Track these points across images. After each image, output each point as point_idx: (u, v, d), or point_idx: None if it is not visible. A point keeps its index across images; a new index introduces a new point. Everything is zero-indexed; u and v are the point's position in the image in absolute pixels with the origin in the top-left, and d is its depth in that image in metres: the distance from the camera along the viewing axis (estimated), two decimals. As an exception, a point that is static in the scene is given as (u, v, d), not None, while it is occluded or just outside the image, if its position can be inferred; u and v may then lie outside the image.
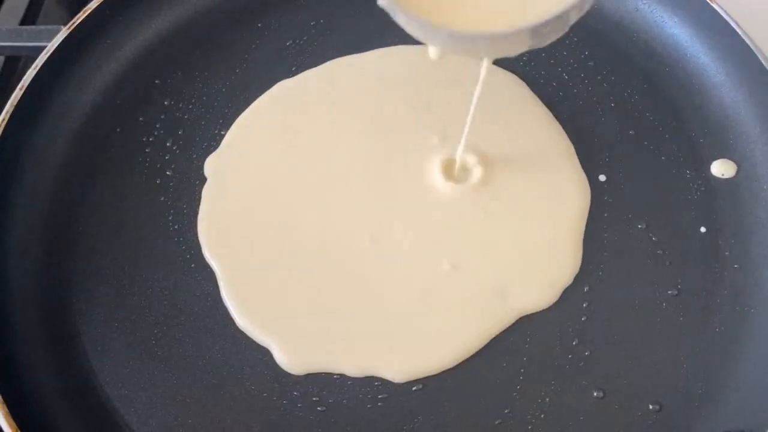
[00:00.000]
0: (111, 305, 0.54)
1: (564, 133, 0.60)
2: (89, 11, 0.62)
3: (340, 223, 0.57)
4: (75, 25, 0.61)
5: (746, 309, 0.52)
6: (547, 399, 0.50)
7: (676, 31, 0.63)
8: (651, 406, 0.49)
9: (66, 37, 0.60)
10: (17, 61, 0.70)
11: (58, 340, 0.52)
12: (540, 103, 0.62)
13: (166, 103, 0.63)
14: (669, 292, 0.53)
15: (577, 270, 0.54)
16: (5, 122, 0.56)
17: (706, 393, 0.49)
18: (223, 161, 0.60)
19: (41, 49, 0.60)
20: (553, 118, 0.61)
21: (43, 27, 0.67)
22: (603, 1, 0.66)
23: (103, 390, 0.51)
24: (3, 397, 0.46)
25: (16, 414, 0.46)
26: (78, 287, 0.55)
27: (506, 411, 0.49)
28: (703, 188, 0.57)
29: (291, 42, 0.66)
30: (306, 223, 0.57)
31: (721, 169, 0.58)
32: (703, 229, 0.56)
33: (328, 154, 0.60)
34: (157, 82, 0.64)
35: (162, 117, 0.63)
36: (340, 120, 0.62)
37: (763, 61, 0.56)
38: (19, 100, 0.57)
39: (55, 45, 0.60)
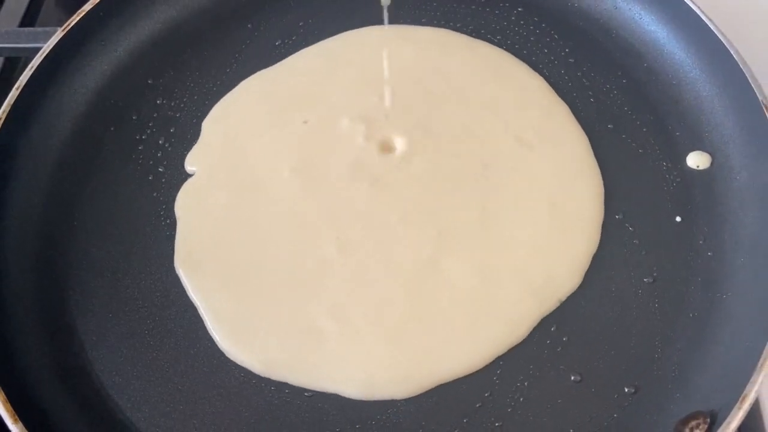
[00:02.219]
0: (105, 297, 0.56)
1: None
2: (83, 13, 0.64)
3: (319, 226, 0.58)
4: (69, 27, 0.63)
5: (719, 295, 0.53)
6: (526, 383, 0.52)
7: (654, 28, 0.65)
8: (627, 389, 0.51)
9: (60, 39, 0.62)
10: (17, 62, 0.72)
11: (55, 330, 0.54)
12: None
13: (158, 102, 0.65)
14: (645, 279, 0.55)
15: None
16: (2, 121, 0.58)
17: (680, 375, 0.51)
18: (202, 158, 0.62)
19: (38, 50, 0.62)
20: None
21: (39, 29, 0.70)
22: (583, 0, 0.68)
23: (98, 378, 0.53)
24: (1, 386, 0.48)
25: (13, 401, 0.47)
26: (74, 280, 0.56)
27: (486, 395, 0.51)
28: (678, 179, 0.59)
29: (280, 42, 0.68)
30: (283, 233, 0.57)
31: (696, 160, 0.60)
32: (678, 219, 0.57)
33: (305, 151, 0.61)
34: (149, 81, 0.66)
35: (155, 115, 0.65)
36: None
37: (736, 58, 0.58)
38: (16, 100, 0.59)
39: (50, 46, 0.62)
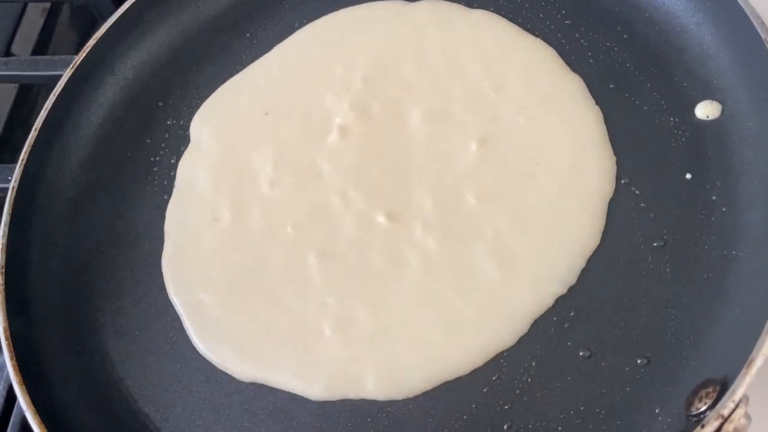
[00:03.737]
0: (130, 314, 0.59)
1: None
2: (90, 47, 0.67)
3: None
4: (77, 63, 0.67)
5: (734, 253, 0.50)
6: (534, 363, 0.51)
7: (652, -25, 0.61)
8: (639, 360, 0.49)
9: (71, 76, 0.66)
10: (31, 89, 0.77)
11: (86, 350, 0.58)
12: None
13: (168, 122, 0.68)
14: (654, 244, 0.53)
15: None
16: (24, 163, 0.62)
17: (694, 342, 0.49)
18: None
19: (52, 77, 0.66)
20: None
21: (54, 57, 0.74)
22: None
23: (129, 392, 0.56)
24: (36, 409, 0.52)
25: (49, 424, 0.51)
26: (101, 302, 0.60)
27: (494, 378, 0.51)
28: (687, 134, 0.56)
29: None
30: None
31: (705, 111, 0.56)
32: (688, 176, 0.54)
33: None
34: (160, 104, 0.69)
35: (166, 136, 0.67)
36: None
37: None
38: (35, 140, 0.63)
39: (62, 85, 0.66)
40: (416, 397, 0.51)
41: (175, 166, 0.65)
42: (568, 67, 0.60)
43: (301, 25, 0.70)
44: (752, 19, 0.53)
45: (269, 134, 0.64)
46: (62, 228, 0.63)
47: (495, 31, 0.64)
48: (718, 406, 0.42)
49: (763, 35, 0.52)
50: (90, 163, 0.66)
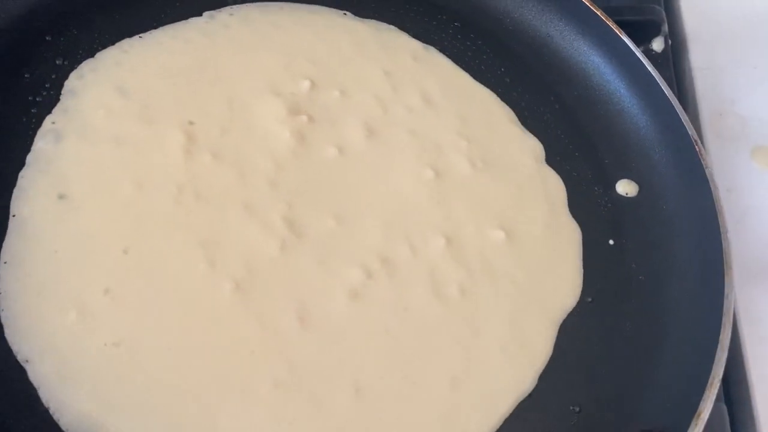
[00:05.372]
0: None
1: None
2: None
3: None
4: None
5: (655, 317, 0.54)
6: (476, 400, 0.49)
7: (585, 58, 0.66)
8: (572, 407, 0.50)
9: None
10: None
11: None
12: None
13: (57, 62, 0.56)
14: (587, 299, 0.55)
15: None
16: None
17: (624, 394, 0.51)
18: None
19: None
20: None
21: None
22: (520, 26, 0.68)
23: None
24: None
25: None
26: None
27: None
28: (610, 204, 0.60)
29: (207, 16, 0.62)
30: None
31: (625, 188, 0.61)
32: (611, 242, 0.58)
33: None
34: (48, 38, 0.57)
35: (53, 77, 0.55)
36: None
37: (665, 90, 0.61)
38: None
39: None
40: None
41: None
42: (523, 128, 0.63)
43: (236, 2, 0.63)
44: (680, 116, 0.59)
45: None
46: None
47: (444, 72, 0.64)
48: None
49: (690, 132, 0.58)
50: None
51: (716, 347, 0.48)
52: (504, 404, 0.50)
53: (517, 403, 0.50)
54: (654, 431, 0.47)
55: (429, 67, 0.64)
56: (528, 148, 0.62)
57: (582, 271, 0.56)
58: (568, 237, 0.58)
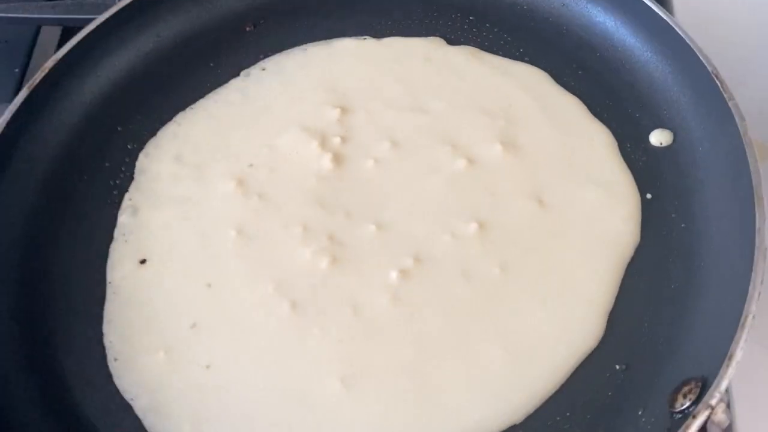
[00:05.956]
0: (88, 341, 0.56)
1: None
2: (47, 70, 0.65)
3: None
4: (34, 84, 0.64)
5: (697, 264, 0.54)
6: (518, 373, 0.51)
7: (602, 19, 0.67)
8: (618, 367, 0.51)
9: (27, 98, 0.63)
10: None
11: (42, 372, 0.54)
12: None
13: (128, 147, 0.66)
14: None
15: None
16: (-25, 180, 0.59)
17: (668, 347, 0.51)
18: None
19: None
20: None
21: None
22: (533, 5, 0.70)
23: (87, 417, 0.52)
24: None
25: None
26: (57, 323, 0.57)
27: (480, 389, 0.51)
28: (644, 158, 0.60)
29: (243, 76, 0.70)
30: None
31: (659, 138, 0.61)
32: (648, 196, 0.58)
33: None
34: (119, 128, 0.67)
35: (126, 160, 0.65)
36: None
37: (682, 34, 0.59)
38: (-14, 160, 0.60)
39: (17, 106, 0.63)
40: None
41: (134, 192, 0.64)
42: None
43: (266, 55, 0.70)
44: (698, 54, 0.58)
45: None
46: (12, 253, 0.60)
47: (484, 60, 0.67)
48: (705, 398, 0.44)
49: (709, 68, 0.57)
50: (42, 185, 0.63)
51: (748, 284, 0.47)
52: (568, 363, 0.52)
53: (580, 361, 0.52)
54: (695, 380, 0.47)
55: (442, 64, 0.67)
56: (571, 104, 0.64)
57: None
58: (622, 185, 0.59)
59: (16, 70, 0.77)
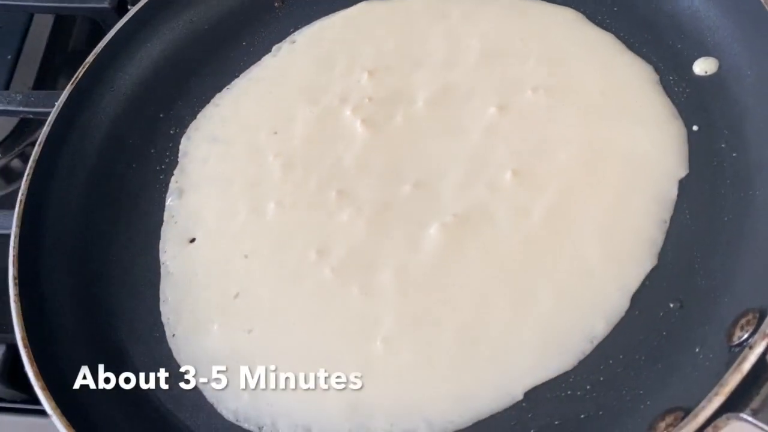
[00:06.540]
0: (148, 321, 0.58)
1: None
2: (87, 65, 0.67)
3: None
4: (76, 81, 0.66)
5: (750, 193, 0.51)
6: (568, 319, 0.51)
7: (636, -52, 0.64)
8: (672, 305, 0.50)
9: (70, 94, 0.66)
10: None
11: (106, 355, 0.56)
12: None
13: (171, 132, 0.68)
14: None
15: None
16: (29, 177, 0.61)
17: (723, 280, 0.49)
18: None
19: (47, 114, 0.65)
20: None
21: (52, 92, 0.73)
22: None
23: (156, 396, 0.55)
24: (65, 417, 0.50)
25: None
26: (118, 307, 0.59)
27: (529, 338, 0.50)
28: (688, 90, 0.58)
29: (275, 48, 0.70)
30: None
31: (703, 67, 0.58)
32: (695, 128, 0.56)
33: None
34: (161, 115, 0.69)
35: (170, 145, 0.67)
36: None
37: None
38: (39, 155, 0.62)
39: (62, 103, 0.65)
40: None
41: (181, 174, 0.65)
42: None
43: (296, 28, 0.71)
44: (740, -26, 0.55)
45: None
46: (70, 244, 0.62)
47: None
48: (763, 327, 0.42)
49: (753, -12, 0.54)
50: (95, 177, 0.66)
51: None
52: (620, 302, 0.50)
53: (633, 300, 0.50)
54: (753, 311, 0.45)
55: (473, 14, 0.66)
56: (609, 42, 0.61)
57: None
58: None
59: (9, 56, 0.78)
